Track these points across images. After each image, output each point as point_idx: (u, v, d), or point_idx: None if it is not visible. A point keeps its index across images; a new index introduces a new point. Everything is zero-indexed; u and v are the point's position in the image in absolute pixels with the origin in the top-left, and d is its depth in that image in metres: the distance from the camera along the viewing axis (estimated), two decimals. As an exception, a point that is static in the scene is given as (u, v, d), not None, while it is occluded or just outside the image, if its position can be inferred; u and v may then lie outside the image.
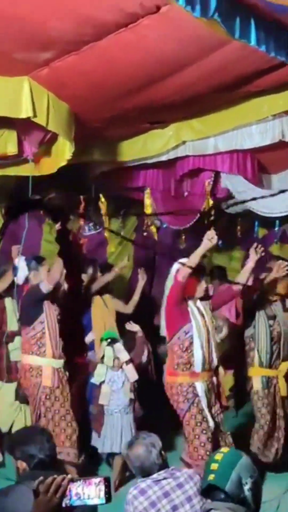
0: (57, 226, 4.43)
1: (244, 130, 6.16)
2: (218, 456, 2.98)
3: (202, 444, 5.37)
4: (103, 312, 6.84)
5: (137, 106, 5.34)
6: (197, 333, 5.48)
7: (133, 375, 6.12)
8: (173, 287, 5.56)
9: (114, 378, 6.11)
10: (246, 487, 2.87)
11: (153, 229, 7.34)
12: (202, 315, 5.59)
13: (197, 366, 5.46)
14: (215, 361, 5.63)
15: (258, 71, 4.91)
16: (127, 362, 6.12)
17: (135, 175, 7.14)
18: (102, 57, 4.35)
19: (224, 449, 3.12)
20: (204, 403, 5.44)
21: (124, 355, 6.15)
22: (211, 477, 2.90)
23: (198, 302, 5.64)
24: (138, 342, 6.43)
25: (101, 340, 6.26)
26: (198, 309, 5.62)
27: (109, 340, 6.15)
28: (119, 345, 6.16)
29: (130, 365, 6.14)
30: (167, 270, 7.34)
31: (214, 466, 2.94)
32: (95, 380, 6.16)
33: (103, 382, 6.11)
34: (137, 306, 7.09)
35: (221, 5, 3.75)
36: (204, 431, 5.38)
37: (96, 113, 5.42)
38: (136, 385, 6.16)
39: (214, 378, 5.64)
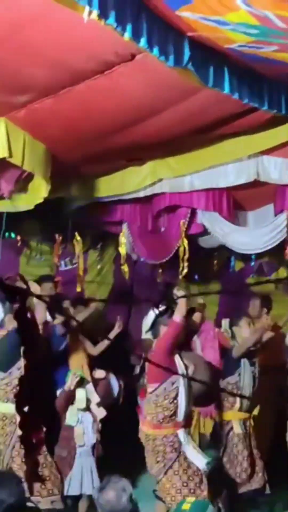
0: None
1: (220, 169, 6.23)
2: (186, 506, 3.01)
3: (192, 491, 5.32)
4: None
5: (113, 147, 5.42)
6: (183, 384, 5.38)
7: (101, 413, 6.07)
8: (169, 333, 5.42)
9: (82, 419, 6.06)
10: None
11: (125, 268, 7.37)
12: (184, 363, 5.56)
13: (180, 416, 5.43)
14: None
15: (232, 115, 5.01)
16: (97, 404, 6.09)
17: (113, 210, 7.20)
18: (78, 101, 4.43)
19: (190, 499, 3.14)
20: (189, 450, 5.41)
21: (95, 397, 6.11)
22: (180, 527, 2.93)
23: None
24: (102, 386, 6.33)
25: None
26: (180, 356, 5.56)
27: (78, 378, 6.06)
28: (90, 387, 6.12)
29: (97, 407, 6.10)
30: (144, 306, 7.50)
31: (182, 516, 2.97)
32: (69, 422, 6.04)
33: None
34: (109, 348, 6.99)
35: (195, 55, 3.84)
36: (191, 478, 5.35)
37: (73, 153, 5.49)
38: (100, 425, 6.11)
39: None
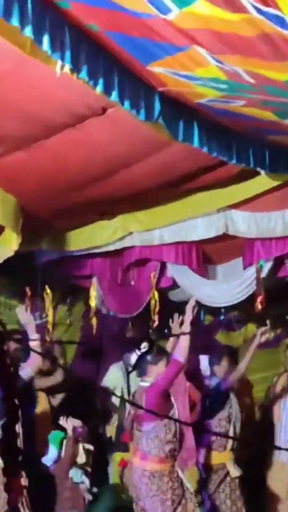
0: None
1: (189, 223, 6.31)
2: None
3: None
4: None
5: (85, 200, 5.47)
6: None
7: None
8: (171, 371, 5.35)
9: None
10: None
11: (93, 322, 7.33)
12: None
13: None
14: None
15: (202, 169, 5.11)
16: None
17: (82, 264, 7.20)
18: (50, 154, 4.47)
19: None
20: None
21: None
22: None
23: None
24: (68, 444, 5.83)
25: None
26: None
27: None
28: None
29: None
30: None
31: None
32: (76, 479, 5.81)
33: None
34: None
35: (165, 109, 3.92)
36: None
37: (44, 206, 5.52)
38: None
39: None
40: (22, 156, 4.52)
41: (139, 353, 5.78)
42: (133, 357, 6.18)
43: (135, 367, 5.93)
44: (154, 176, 5.03)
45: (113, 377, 7.30)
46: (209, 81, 3.61)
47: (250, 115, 4.16)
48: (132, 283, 7.29)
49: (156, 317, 6.94)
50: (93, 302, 7.20)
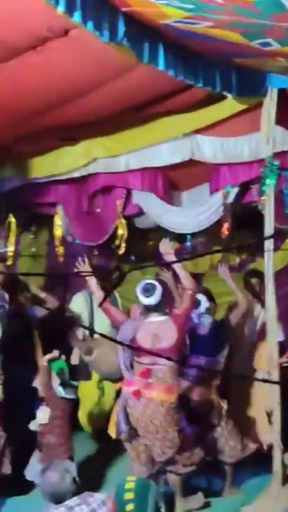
0: None
1: (155, 148, 6.21)
2: (129, 485, 2.97)
3: None
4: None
5: (47, 125, 5.31)
6: None
7: None
8: (188, 301, 5.43)
9: None
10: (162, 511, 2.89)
11: (60, 250, 7.24)
12: None
13: None
14: None
15: (168, 93, 4.98)
16: None
17: (46, 191, 7.05)
18: (11, 78, 4.30)
19: (131, 478, 3.11)
20: None
21: None
22: (130, 506, 2.87)
23: None
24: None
25: None
26: None
27: None
28: None
29: None
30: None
31: (129, 495, 2.93)
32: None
33: None
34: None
35: (130, 31, 3.77)
36: None
37: (5, 132, 5.35)
38: None
39: None
40: (-20, 81, 4.35)
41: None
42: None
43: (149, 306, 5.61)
44: (118, 101, 4.89)
45: (77, 307, 7.31)
46: (174, 1, 3.47)
47: (217, 37, 4.05)
48: (98, 210, 7.18)
49: (123, 244, 6.88)
50: (58, 231, 7.10)
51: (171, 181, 6.80)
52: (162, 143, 6.16)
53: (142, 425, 5.30)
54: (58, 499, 3.82)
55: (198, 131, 5.99)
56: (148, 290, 5.40)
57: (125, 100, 4.90)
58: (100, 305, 5.85)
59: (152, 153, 6.27)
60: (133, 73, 4.41)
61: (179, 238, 8.64)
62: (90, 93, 4.65)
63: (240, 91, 4.94)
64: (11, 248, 6.84)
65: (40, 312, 6.70)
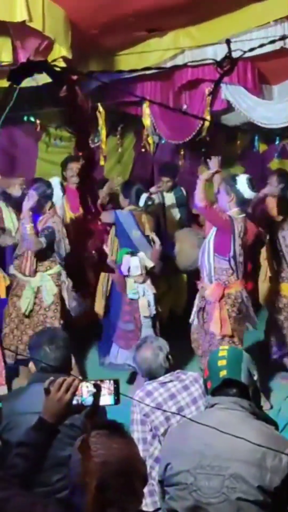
0: (62, 91, 3.94)
1: (245, 37, 5.96)
2: (222, 353, 2.98)
3: None
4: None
5: (134, 11, 5.18)
6: None
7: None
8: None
9: (144, 291, 6.11)
10: (255, 378, 2.90)
11: (150, 140, 7.17)
12: None
13: None
14: None
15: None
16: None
17: (133, 88, 6.95)
18: None
19: (224, 347, 3.12)
20: None
21: (149, 263, 6.21)
22: (223, 372, 2.89)
23: None
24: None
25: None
26: None
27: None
28: (141, 254, 6.19)
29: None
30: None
31: (221, 362, 2.94)
32: (131, 295, 6.11)
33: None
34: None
35: None
36: None
37: (92, 19, 5.24)
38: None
39: None
40: None
41: None
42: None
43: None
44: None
45: None
46: None
47: None
48: (185, 107, 7.02)
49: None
50: (147, 120, 7.05)
51: (261, 74, 6.57)
52: (251, 32, 5.90)
53: None
54: (151, 374, 3.91)
55: (291, 17, 5.70)
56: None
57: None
58: None
59: (241, 43, 6.03)
60: None
61: (268, 139, 8.47)
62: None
63: None
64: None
65: None
